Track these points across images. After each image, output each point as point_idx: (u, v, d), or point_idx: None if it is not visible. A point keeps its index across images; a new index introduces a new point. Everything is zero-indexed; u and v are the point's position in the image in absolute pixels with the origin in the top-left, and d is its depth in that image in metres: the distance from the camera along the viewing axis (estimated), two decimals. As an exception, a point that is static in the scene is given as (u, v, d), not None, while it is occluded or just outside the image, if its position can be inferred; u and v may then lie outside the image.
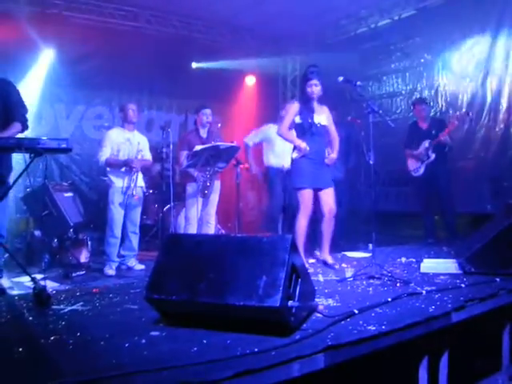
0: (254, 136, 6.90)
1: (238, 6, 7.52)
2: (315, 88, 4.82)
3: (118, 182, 5.62)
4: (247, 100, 9.85)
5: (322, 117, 4.91)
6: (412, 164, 6.78)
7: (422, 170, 6.66)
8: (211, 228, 6.05)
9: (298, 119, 4.86)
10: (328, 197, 4.87)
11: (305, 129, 4.81)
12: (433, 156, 6.53)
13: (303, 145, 4.75)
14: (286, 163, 6.45)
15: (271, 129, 6.58)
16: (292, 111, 4.91)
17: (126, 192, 5.57)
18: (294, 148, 4.89)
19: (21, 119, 4.33)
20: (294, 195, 6.61)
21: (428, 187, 6.64)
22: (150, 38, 8.11)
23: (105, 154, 5.61)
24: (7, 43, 6.83)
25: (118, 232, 5.61)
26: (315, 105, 4.90)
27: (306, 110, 4.85)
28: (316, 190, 4.85)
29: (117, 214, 5.60)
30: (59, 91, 8.06)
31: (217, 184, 6.05)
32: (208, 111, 6.03)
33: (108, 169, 5.68)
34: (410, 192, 7.07)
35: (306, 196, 4.78)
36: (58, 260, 5.86)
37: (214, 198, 6.05)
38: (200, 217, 5.97)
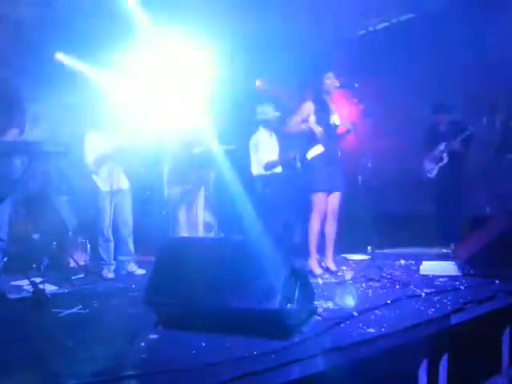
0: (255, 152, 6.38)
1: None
2: (333, 80, 4.68)
3: (104, 187, 5.58)
4: (246, 101, 9.82)
5: (336, 116, 4.78)
6: (427, 164, 6.73)
7: (435, 172, 6.63)
8: (199, 231, 6.04)
9: (312, 118, 4.67)
10: (334, 198, 4.78)
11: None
12: (446, 159, 6.48)
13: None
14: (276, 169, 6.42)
15: (257, 136, 6.34)
16: (306, 110, 4.70)
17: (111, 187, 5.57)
18: (307, 149, 4.74)
19: (18, 124, 4.30)
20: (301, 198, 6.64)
21: (441, 189, 6.60)
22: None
23: (91, 161, 5.53)
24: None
25: (109, 235, 5.57)
26: (330, 104, 4.75)
27: (323, 111, 4.69)
28: (329, 193, 4.75)
29: (105, 217, 5.55)
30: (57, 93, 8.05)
31: (201, 193, 6.06)
32: None
33: (93, 174, 5.60)
34: (412, 193, 7.03)
35: (319, 199, 4.66)
36: (57, 263, 5.83)
37: (200, 203, 6.05)
38: (188, 220, 6.00)
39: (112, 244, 5.59)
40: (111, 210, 5.59)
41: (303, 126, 4.64)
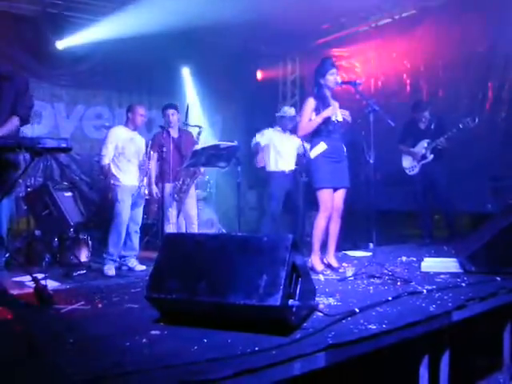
0: (261, 137, 6.84)
1: (236, 4, 7.47)
2: (335, 77, 4.66)
3: (127, 181, 5.60)
4: (247, 99, 9.85)
5: (338, 112, 4.75)
6: (407, 162, 6.70)
7: (417, 170, 6.60)
8: (195, 229, 6.04)
9: (313, 116, 4.67)
10: (338, 195, 4.76)
11: (321, 127, 4.65)
12: (431, 157, 6.46)
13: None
14: (288, 167, 6.54)
15: (271, 132, 6.73)
16: (308, 107, 4.69)
17: (138, 191, 5.65)
18: (311, 147, 4.73)
19: (21, 113, 4.31)
20: (297, 196, 6.71)
21: (424, 187, 6.57)
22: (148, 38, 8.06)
23: (108, 155, 5.55)
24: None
25: (123, 232, 5.58)
26: (330, 100, 4.75)
27: (323, 106, 4.67)
28: (334, 189, 4.72)
29: (125, 214, 5.57)
30: (59, 91, 8.07)
31: (192, 190, 6.08)
32: (171, 111, 6.04)
33: (114, 169, 5.62)
34: (413, 189, 7.01)
35: (326, 196, 4.63)
36: (59, 259, 5.85)
37: (191, 202, 6.06)
38: (183, 217, 6.01)
39: (122, 241, 5.59)
40: (130, 207, 5.63)
41: (319, 120, 4.63)
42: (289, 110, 6.73)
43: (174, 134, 6.07)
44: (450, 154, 6.52)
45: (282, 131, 6.68)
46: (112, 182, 5.62)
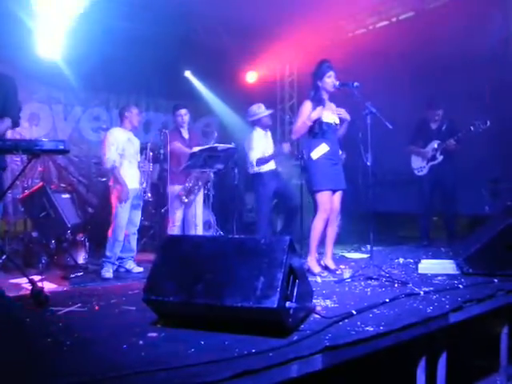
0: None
1: (234, 6, 7.45)
2: (333, 80, 4.67)
3: (131, 185, 5.55)
4: (245, 101, 9.82)
5: (334, 115, 4.76)
6: (416, 162, 6.67)
7: (425, 170, 6.58)
8: (198, 229, 6.03)
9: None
10: (336, 197, 4.77)
11: (316, 129, 4.67)
12: (440, 158, 6.44)
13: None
14: (273, 166, 6.43)
15: (257, 134, 6.42)
16: (305, 110, 4.71)
17: (138, 194, 5.62)
18: (311, 148, 4.70)
19: (12, 115, 4.27)
20: (295, 198, 6.66)
21: (431, 188, 6.55)
22: (148, 39, 8.06)
23: (112, 157, 5.46)
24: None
25: (122, 236, 5.54)
26: (327, 102, 4.76)
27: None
28: (332, 192, 4.72)
29: (125, 217, 5.53)
30: (57, 93, 8.06)
31: (200, 190, 6.09)
32: (183, 111, 6.03)
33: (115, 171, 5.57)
34: (410, 191, 7.00)
35: (325, 198, 4.63)
36: (56, 261, 5.83)
37: (198, 201, 6.06)
38: (187, 219, 6.00)
39: (122, 244, 5.56)
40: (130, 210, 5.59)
41: (308, 122, 4.63)
42: (261, 108, 6.42)
43: (185, 134, 6.07)
44: (456, 156, 6.52)
45: (263, 132, 6.43)
46: (113, 184, 5.56)
